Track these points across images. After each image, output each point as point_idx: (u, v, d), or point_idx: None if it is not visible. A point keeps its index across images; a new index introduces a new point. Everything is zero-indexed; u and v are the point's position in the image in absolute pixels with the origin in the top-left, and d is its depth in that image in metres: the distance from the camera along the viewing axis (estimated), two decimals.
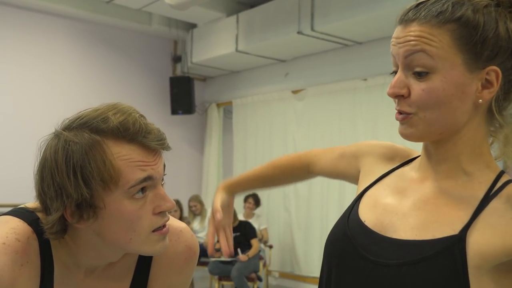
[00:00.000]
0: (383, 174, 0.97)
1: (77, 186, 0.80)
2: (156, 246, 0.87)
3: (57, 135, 0.83)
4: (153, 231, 0.86)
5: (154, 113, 7.07)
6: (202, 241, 6.20)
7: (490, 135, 0.87)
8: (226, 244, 1.17)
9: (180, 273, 1.01)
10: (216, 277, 5.51)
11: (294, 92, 6.51)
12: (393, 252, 0.82)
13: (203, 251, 6.03)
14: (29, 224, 0.86)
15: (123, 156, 0.81)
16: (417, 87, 0.81)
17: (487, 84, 0.81)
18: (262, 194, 6.51)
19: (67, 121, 0.85)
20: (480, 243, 0.77)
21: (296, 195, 6.39)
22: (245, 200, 6.27)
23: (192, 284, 5.70)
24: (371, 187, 0.97)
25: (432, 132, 0.83)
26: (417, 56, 0.80)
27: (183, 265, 1.01)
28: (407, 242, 0.82)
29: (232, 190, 1.26)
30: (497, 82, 0.81)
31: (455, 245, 0.78)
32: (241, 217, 6.06)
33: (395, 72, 0.85)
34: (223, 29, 6.36)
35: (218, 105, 7.63)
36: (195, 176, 7.63)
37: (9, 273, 0.80)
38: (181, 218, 5.90)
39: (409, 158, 0.98)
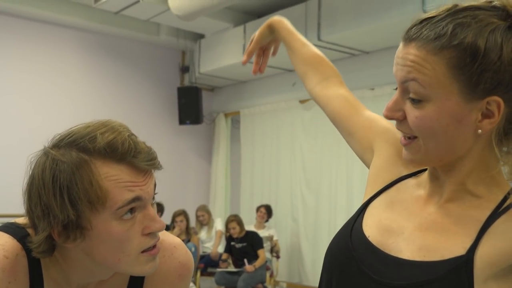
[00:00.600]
0: (390, 183, 0.93)
1: (63, 207, 0.78)
2: (145, 266, 0.85)
3: (45, 153, 0.82)
4: (143, 251, 0.84)
5: (162, 123, 7.11)
6: (209, 251, 6.19)
7: (501, 158, 0.80)
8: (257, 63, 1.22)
9: None
10: (223, 287, 5.48)
11: (302, 101, 6.50)
12: (397, 273, 0.79)
13: (210, 261, 6.02)
14: (19, 240, 0.84)
15: (111, 176, 0.79)
16: (412, 113, 0.78)
17: (487, 113, 0.76)
18: (269, 204, 6.50)
19: (57, 137, 0.83)
20: (486, 262, 0.74)
21: (304, 205, 6.36)
22: (257, 209, 6.26)
23: None
24: (377, 196, 0.92)
25: (432, 159, 0.81)
26: (411, 84, 0.77)
27: (177, 282, 0.99)
28: (413, 262, 0.78)
29: (278, 27, 1.25)
30: (499, 113, 0.75)
31: (462, 267, 0.74)
32: (251, 227, 6.04)
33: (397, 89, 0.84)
34: (231, 39, 6.38)
35: (226, 115, 7.64)
36: (202, 185, 7.63)
37: None
38: (187, 228, 5.88)
39: (418, 169, 0.93)
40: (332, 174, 6.07)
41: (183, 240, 5.65)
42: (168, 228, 5.84)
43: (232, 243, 5.71)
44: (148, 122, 6.92)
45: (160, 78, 7.21)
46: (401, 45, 0.81)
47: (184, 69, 7.34)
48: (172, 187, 6.98)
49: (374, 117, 1.03)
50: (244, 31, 6.17)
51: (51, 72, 6.28)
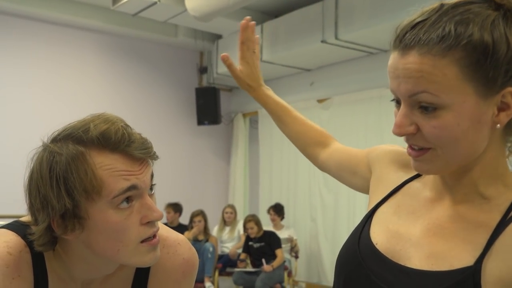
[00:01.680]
0: (395, 188, 0.91)
1: (60, 197, 0.80)
2: (146, 257, 0.85)
3: (44, 148, 0.84)
4: (142, 242, 0.84)
5: (181, 123, 7.15)
6: (227, 251, 6.20)
7: (508, 150, 0.80)
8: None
9: (178, 287, 0.99)
10: (241, 287, 5.49)
11: (320, 101, 6.48)
12: (406, 282, 0.77)
13: (228, 261, 6.03)
14: (22, 237, 0.86)
15: (106, 165, 0.81)
16: (427, 124, 0.73)
17: (503, 105, 0.73)
18: (288, 204, 6.48)
19: (55, 133, 0.86)
20: (495, 275, 0.71)
21: (322, 205, 6.34)
22: (268, 211, 6.27)
23: None
24: (383, 202, 0.91)
25: (451, 165, 0.77)
26: (421, 96, 0.72)
27: (181, 279, 0.99)
28: (421, 272, 0.76)
29: (264, 100, 1.27)
30: None
31: (469, 279, 0.72)
32: (270, 228, 6.03)
33: (395, 100, 0.78)
34: None
35: (244, 115, 7.65)
36: (221, 186, 7.65)
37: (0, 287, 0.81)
38: (205, 228, 5.90)
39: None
40: None
41: (201, 240, 5.70)
42: (186, 228, 5.87)
43: (250, 243, 5.72)
44: (167, 123, 6.97)
45: (178, 79, 7.25)
46: (396, 55, 0.75)
47: (202, 70, 7.37)
48: (190, 188, 7.01)
49: (367, 150, 1.05)
50: (262, 31, 6.17)
51: (71, 74, 6.36)
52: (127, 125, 0.85)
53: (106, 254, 0.84)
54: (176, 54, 7.22)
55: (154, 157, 0.86)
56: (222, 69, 6.86)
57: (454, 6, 0.73)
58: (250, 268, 5.68)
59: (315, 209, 6.43)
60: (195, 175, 7.27)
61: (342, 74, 6.20)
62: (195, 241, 5.60)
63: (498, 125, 0.74)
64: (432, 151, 0.75)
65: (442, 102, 0.71)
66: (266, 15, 6.33)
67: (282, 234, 5.95)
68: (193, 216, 5.92)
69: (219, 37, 6.95)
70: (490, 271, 0.72)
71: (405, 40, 0.74)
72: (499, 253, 0.72)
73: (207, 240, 5.80)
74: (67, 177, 0.80)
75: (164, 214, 5.43)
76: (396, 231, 0.84)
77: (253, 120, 7.65)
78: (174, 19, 6.16)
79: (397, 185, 0.91)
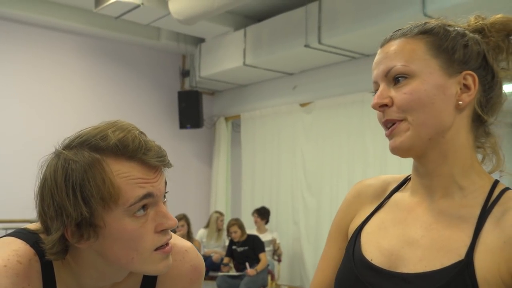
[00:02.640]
0: (377, 206, 0.95)
1: (77, 205, 0.78)
2: (159, 265, 0.85)
3: (57, 155, 0.83)
4: (156, 249, 0.84)
5: (163, 127, 7.12)
6: (213, 255, 6.18)
7: (478, 148, 0.88)
8: None
9: None
10: None
11: (302, 105, 6.51)
12: (405, 287, 0.81)
13: (212, 265, 6.01)
14: (31, 245, 0.85)
15: (123, 173, 0.80)
16: (400, 92, 0.85)
17: (465, 88, 0.85)
18: (270, 208, 6.50)
19: (67, 140, 0.84)
20: (483, 268, 0.77)
21: (305, 208, 6.36)
22: (252, 214, 6.27)
23: None
24: (367, 221, 0.95)
25: (422, 136, 0.84)
26: (394, 69, 0.86)
27: (189, 286, 0.99)
28: (418, 275, 0.81)
29: None
30: (475, 86, 0.85)
31: (464, 271, 0.77)
32: (253, 231, 6.03)
33: (374, 93, 0.90)
34: (231, 43, 6.40)
35: (226, 119, 7.64)
36: (203, 189, 7.63)
37: None
38: (188, 232, 5.88)
39: (401, 181, 0.97)
40: (333, 176, 6.07)
41: None
42: None
43: (234, 247, 5.71)
44: (149, 126, 6.85)
45: (161, 82, 7.22)
46: (378, 52, 0.91)
47: (185, 73, 7.36)
48: (172, 191, 6.91)
49: (332, 229, 1.04)
50: (245, 35, 6.18)
51: (52, 77, 6.29)
52: (142, 133, 0.85)
53: (120, 262, 0.84)
54: (159, 57, 7.19)
55: (168, 165, 0.86)
56: (204, 72, 6.85)
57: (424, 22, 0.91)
58: (233, 272, 5.67)
59: (298, 213, 6.45)
60: (177, 179, 7.22)
61: (324, 78, 6.24)
62: None
63: (461, 102, 0.84)
64: (403, 122, 0.85)
65: (412, 71, 0.84)
66: (250, 19, 6.34)
67: (265, 238, 5.95)
68: None
69: (202, 40, 6.94)
70: (483, 261, 0.77)
71: (385, 40, 0.91)
72: (481, 252, 0.78)
73: None
74: (84, 185, 0.78)
75: None
76: (387, 244, 0.88)
77: (235, 124, 7.65)
78: (157, 22, 6.14)
79: (376, 206, 0.96)
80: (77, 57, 6.49)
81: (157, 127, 7.08)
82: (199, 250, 5.85)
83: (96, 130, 0.83)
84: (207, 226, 6.51)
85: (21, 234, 0.88)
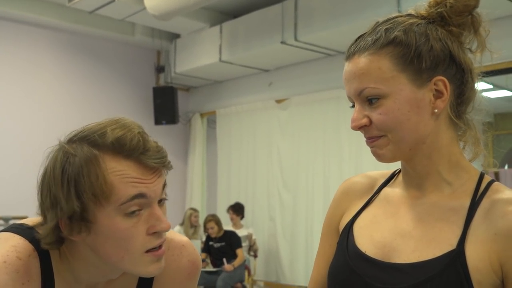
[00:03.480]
0: (367, 201, 0.98)
1: (69, 199, 0.79)
2: (150, 267, 0.84)
3: (59, 147, 0.84)
4: (147, 251, 0.83)
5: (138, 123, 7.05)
6: None
7: (460, 140, 0.90)
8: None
9: None
10: (202, 287, 5.47)
11: (278, 101, 6.54)
12: (399, 277, 0.83)
13: None
14: (30, 241, 0.85)
15: (118, 171, 0.80)
16: (375, 114, 0.85)
17: (438, 94, 0.85)
18: (247, 204, 6.51)
19: (72, 133, 0.85)
20: (475, 258, 0.79)
21: (281, 204, 6.39)
22: (227, 211, 6.27)
23: None
24: (358, 215, 0.96)
25: (402, 150, 0.86)
26: (366, 91, 0.85)
27: (186, 281, 0.99)
28: (411, 265, 0.83)
29: None
30: (447, 90, 0.85)
31: (456, 260, 0.80)
32: (229, 227, 6.03)
33: (353, 105, 0.90)
34: (207, 39, 6.37)
35: (202, 115, 7.62)
36: (178, 186, 7.59)
37: None
38: None
39: (389, 176, 0.99)
40: (309, 173, 6.12)
41: None
42: None
43: (211, 242, 5.71)
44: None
45: (135, 78, 7.15)
46: (345, 65, 0.90)
47: (160, 69, 7.30)
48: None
49: (324, 225, 1.05)
50: (220, 31, 6.17)
51: (23, 73, 6.16)
52: (144, 132, 0.84)
53: (111, 260, 0.84)
54: (133, 53, 7.12)
55: (168, 166, 0.86)
56: (179, 68, 6.81)
57: (386, 20, 0.89)
58: (210, 268, 5.67)
59: (274, 209, 6.48)
60: None
61: (300, 75, 6.27)
62: None
63: (436, 110, 0.85)
64: (383, 138, 0.86)
65: (383, 92, 0.84)
66: (225, 15, 6.33)
67: (241, 233, 5.97)
68: None
69: (177, 36, 6.90)
70: (473, 251, 0.80)
71: (350, 50, 0.90)
72: (472, 242, 0.81)
73: None
74: (78, 180, 0.79)
75: None
76: (380, 236, 0.90)
77: (210, 120, 7.64)
78: (131, 17, 6.07)
79: (364, 202, 0.98)
80: (49, 52, 6.37)
81: None
82: None
83: (98, 126, 0.83)
84: (182, 223, 6.48)
85: (19, 229, 0.88)
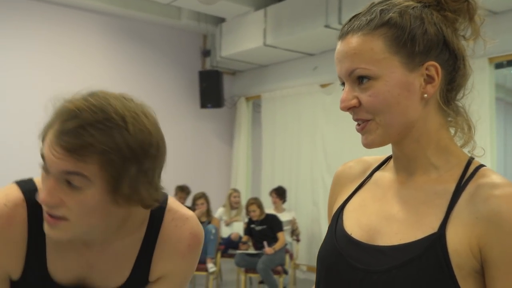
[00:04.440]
0: (359, 185, 0.99)
1: None
2: (45, 226, 0.88)
3: None
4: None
5: (184, 106, 7.18)
6: (229, 232, 6.27)
7: (451, 126, 0.89)
8: None
9: (183, 259, 1.02)
10: (243, 269, 5.56)
11: (323, 86, 6.49)
12: (381, 259, 0.84)
13: (230, 243, 6.10)
14: (23, 193, 0.93)
15: (48, 138, 0.86)
16: (365, 94, 0.84)
17: (429, 79, 0.85)
18: (290, 188, 6.53)
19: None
20: (455, 241, 0.79)
21: (325, 189, 6.38)
22: (270, 194, 6.31)
23: (192, 282, 5.75)
24: (349, 199, 0.98)
25: (391, 134, 0.86)
26: (357, 71, 0.84)
27: (186, 251, 1.02)
28: (393, 247, 0.84)
29: None
30: (438, 76, 0.84)
31: (436, 243, 0.79)
32: (272, 211, 6.08)
33: (343, 84, 0.89)
34: (251, 23, 6.38)
35: (247, 99, 7.66)
36: (224, 169, 7.70)
37: None
38: (208, 210, 5.95)
39: (382, 161, 1.00)
40: (353, 158, 6.02)
41: (203, 222, 5.74)
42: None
43: (252, 225, 5.78)
44: (170, 106, 6.99)
45: (182, 62, 7.25)
46: (338, 44, 0.88)
47: (206, 53, 7.38)
48: (193, 170, 7.06)
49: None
50: (265, 15, 6.15)
51: (73, 55, 6.37)
52: (93, 111, 0.89)
53: None
54: (180, 37, 7.21)
55: (79, 152, 0.82)
56: (225, 52, 6.86)
57: (382, 1, 0.88)
58: (252, 250, 5.74)
59: (317, 194, 6.48)
60: (198, 158, 7.31)
61: None
62: None
63: (426, 95, 0.85)
64: (372, 122, 0.86)
65: (374, 74, 0.83)
66: None
67: (283, 217, 6.00)
68: (195, 198, 5.97)
69: (222, 20, 6.93)
70: (455, 235, 0.80)
71: (343, 29, 0.88)
72: (454, 226, 0.81)
73: (209, 222, 5.86)
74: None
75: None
76: (367, 220, 0.91)
77: (256, 104, 7.67)
78: (177, 1, 6.15)
79: (358, 184, 0.99)
80: (98, 36, 6.56)
81: (178, 107, 7.14)
82: (217, 228, 5.95)
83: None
84: (225, 204, 6.59)
85: (23, 182, 0.96)
